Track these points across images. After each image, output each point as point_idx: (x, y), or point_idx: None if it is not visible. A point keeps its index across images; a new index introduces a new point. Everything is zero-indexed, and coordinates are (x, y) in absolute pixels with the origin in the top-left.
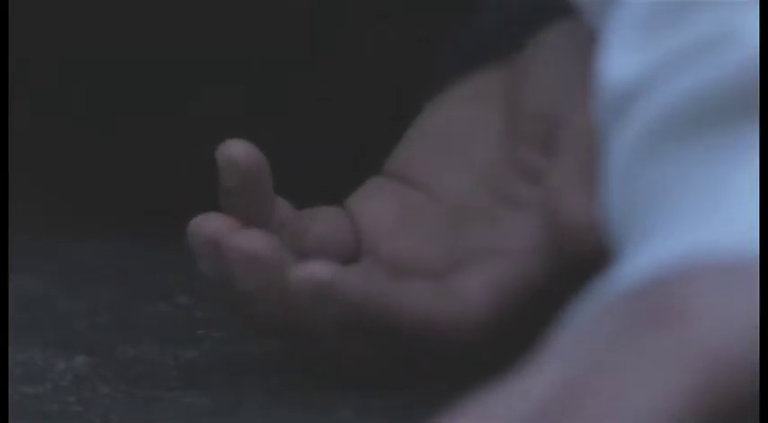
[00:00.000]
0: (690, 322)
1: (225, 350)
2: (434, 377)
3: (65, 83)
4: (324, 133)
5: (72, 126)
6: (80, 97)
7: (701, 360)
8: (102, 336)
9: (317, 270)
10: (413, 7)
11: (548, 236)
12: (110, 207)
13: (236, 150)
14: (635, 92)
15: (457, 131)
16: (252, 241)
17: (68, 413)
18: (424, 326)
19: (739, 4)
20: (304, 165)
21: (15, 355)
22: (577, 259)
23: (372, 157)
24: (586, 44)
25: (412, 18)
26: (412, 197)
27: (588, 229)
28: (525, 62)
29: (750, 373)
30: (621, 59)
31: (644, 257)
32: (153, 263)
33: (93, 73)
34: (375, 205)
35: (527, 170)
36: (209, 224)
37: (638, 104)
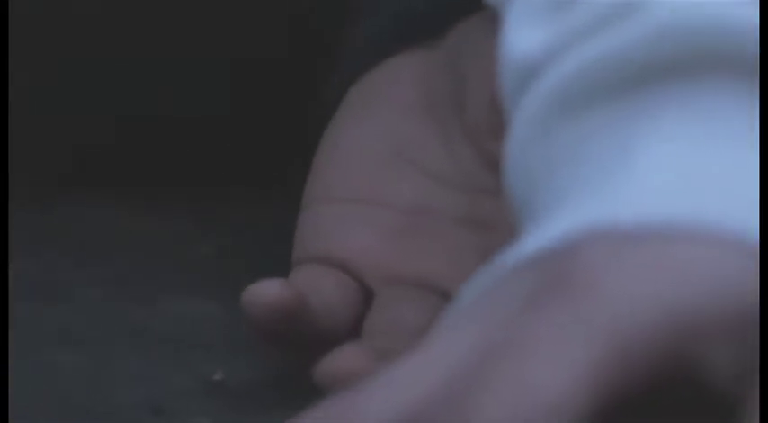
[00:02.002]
0: (589, 294)
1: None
2: None
3: (58, 67)
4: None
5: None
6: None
7: (602, 332)
8: None
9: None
10: None
11: None
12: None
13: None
14: (537, 67)
15: (390, 142)
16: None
17: None
18: None
19: None
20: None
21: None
22: None
23: None
24: None
25: None
26: (383, 217)
27: None
28: (451, 53)
29: (651, 344)
30: (523, 35)
31: (541, 231)
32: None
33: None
34: (358, 239)
35: (495, 160)
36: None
37: (539, 79)
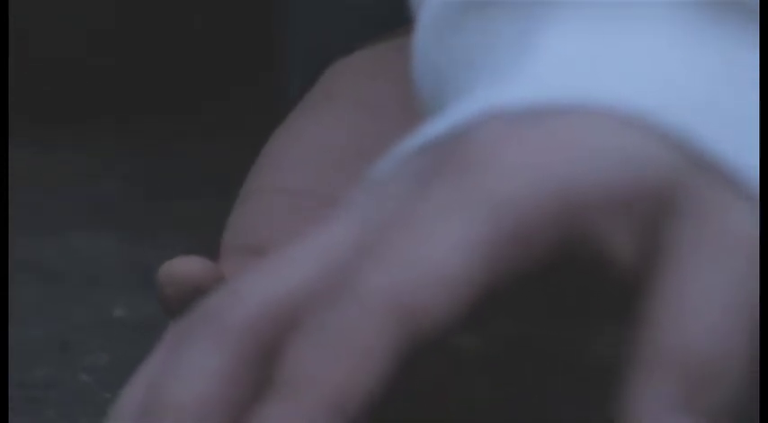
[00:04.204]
0: (478, 170)
1: None
2: None
3: None
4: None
5: None
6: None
7: (489, 206)
8: None
9: None
10: None
11: None
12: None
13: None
14: None
15: (353, 139)
16: None
17: None
18: None
19: None
20: None
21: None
22: None
23: None
24: None
25: None
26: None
27: None
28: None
29: (541, 217)
30: None
31: (442, 117)
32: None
33: None
34: (297, 233)
35: None
36: None
37: None
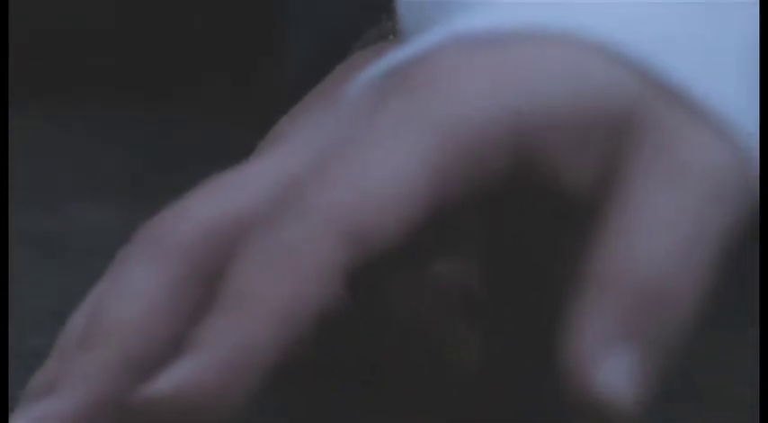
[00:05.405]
0: (429, 91)
1: None
2: None
3: None
4: None
5: None
6: None
7: (438, 126)
8: None
9: None
10: None
11: None
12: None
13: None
14: None
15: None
16: None
17: None
18: None
19: None
20: None
21: None
22: None
23: None
24: None
25: None
26: None
27: None
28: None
29: (490, 139)
30: None
31: (408, 46)
32: None
33: None
34: None
35: None
36: None
37: None
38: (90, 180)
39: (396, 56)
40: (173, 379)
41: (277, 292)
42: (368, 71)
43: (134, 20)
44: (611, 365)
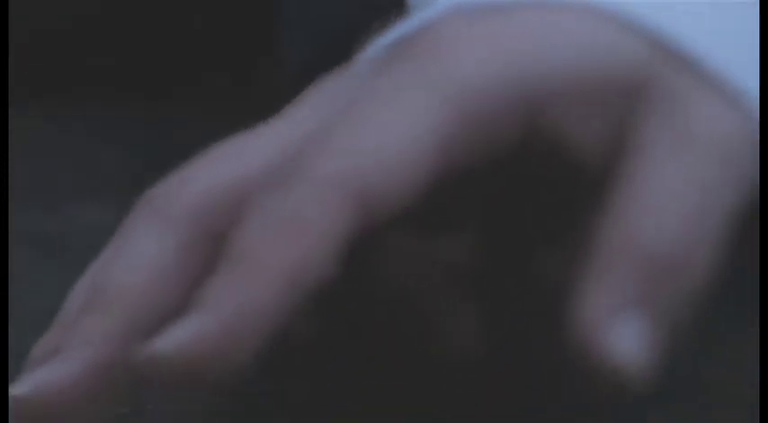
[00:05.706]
0: (434, 58)
1: None
2: None
3: None
4: None
5: None
6: None
7: (443, 92)
8: None
9: None
10: None
11: None
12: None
13: None
14: None
15: None
16: None
17: None
18: None
19: None
20: None
21: None
22: None
23: None
24: None
25: None
26: None
27: None
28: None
29: (495, 105)
30: None
31: (415, 17)
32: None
33: None
34: None
35: None
36: None
37: None
38: (90, 180)
39: (401, 27)
40: (174, 338)
41: (281, 255)
42: (377, 42)
43: (134, 20)
44: (621, 331)
